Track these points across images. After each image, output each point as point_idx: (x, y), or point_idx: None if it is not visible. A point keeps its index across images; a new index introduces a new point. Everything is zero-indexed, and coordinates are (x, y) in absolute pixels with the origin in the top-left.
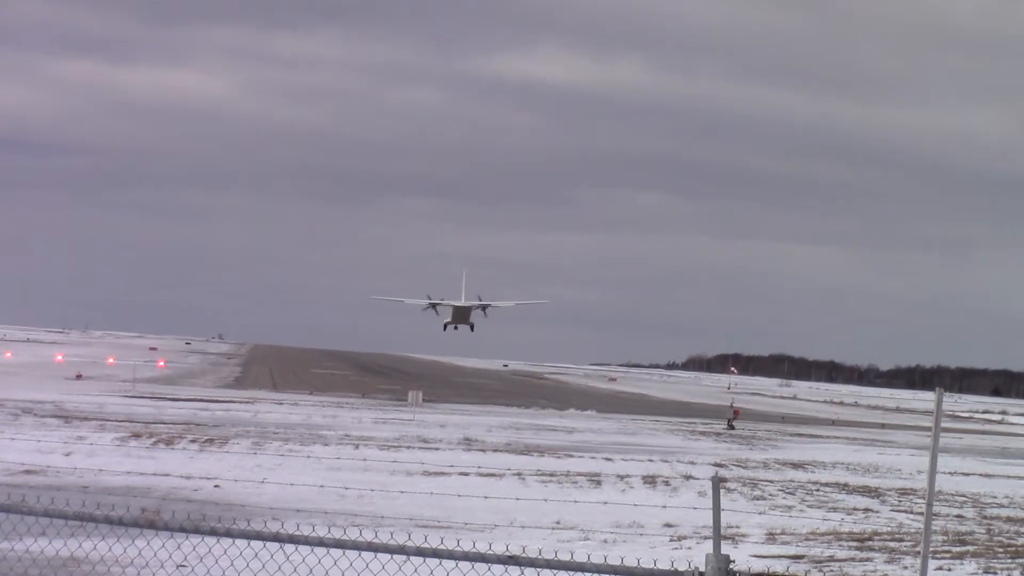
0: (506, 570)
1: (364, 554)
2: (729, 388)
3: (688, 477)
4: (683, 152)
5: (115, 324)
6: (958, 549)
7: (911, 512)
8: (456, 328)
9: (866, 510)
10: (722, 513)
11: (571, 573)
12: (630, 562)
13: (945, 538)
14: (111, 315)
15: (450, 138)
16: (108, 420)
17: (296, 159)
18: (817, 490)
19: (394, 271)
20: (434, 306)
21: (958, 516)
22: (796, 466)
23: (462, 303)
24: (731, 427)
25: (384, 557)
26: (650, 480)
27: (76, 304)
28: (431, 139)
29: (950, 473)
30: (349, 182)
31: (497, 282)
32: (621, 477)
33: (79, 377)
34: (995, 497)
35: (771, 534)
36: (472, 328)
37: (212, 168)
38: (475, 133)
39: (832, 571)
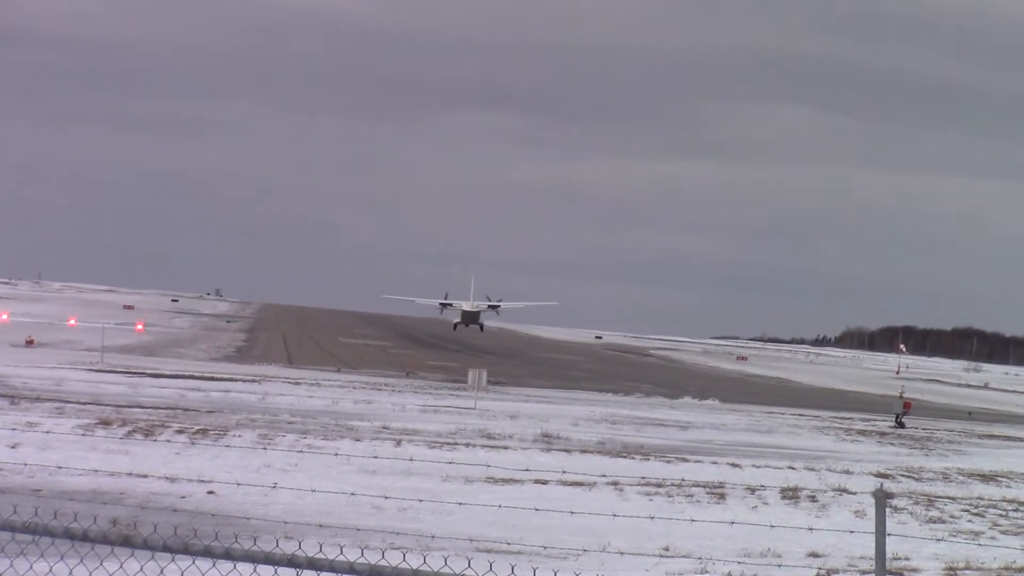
0: None
1: None
2: (898, 373)
3: (842, 491)
4: (839, 53)
5: (78, 274)
6: None
7: None
8: (467, 327)
9: None
10: (888, 539)
11: None
12: None
13: None
14: (72, 262)
15: (525, 31)
16: (68, 402)
17: (321, 56)
18: (1015, 511)
19: (447, 209)
20: (445, 306)
21: None
22: (986, 478)
23: (470, 307)
24: (900, 425)
25: None
26: (791, 494)
27: (26, 246)
28: (499, 33)
29: None
30: (390, 89)
31: (581, 224)
32: (752, 490)
33: (30, 343)
34: None
35: (951, 568)
36: (482, 328)
37: (210, 67)
38: (557, 24)
39: None
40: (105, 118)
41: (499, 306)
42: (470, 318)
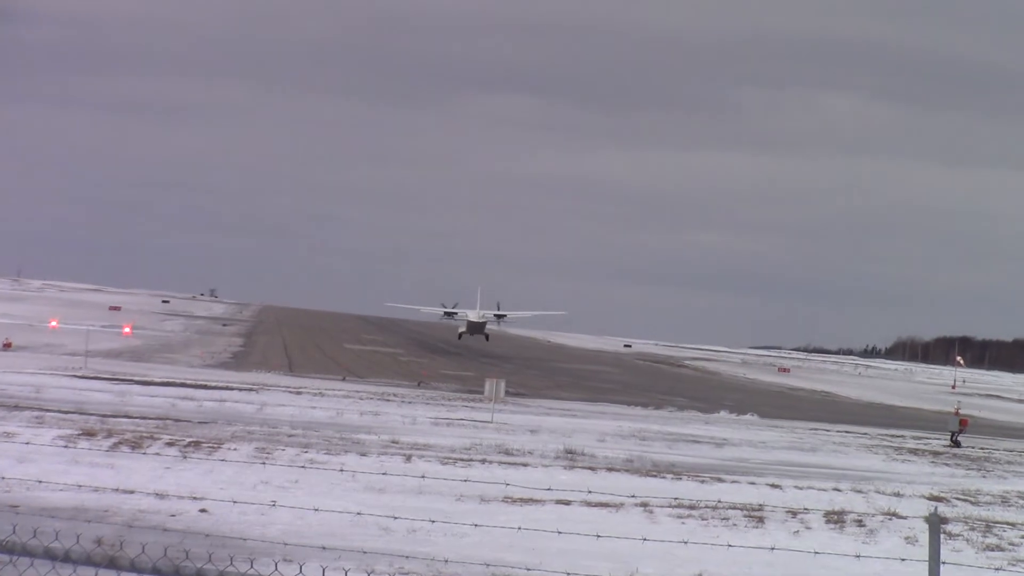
0: None
1: None
2: (954, 387)
3: (892, 515)
4: (895, 38)
5: (60, 271)
6: None
7: None
8: (472, 336)
9: None
10: (941, 568)
11: None
12: None
13: None
14: (55, 258)
15: (544, 8)
16: (49, 411)
17: (330, 35)
18: None
19: (460, 204)
20: (449, 315)
21: None
22: None
23: (477, 317)
24: (956, 443)
25: None
26: (836, 518)
27: (2, 241)
28: (515, 9)
29: None
30: (409, 72)
31: (607, 221)
32: (794, 513)
33: (7, 347)
34: None
35: None
36: (487, 338)
37: (206, 46)
38: (580, 1)
39: None
40: (90, 100)
41: (506, 316)
42: (476, 328)
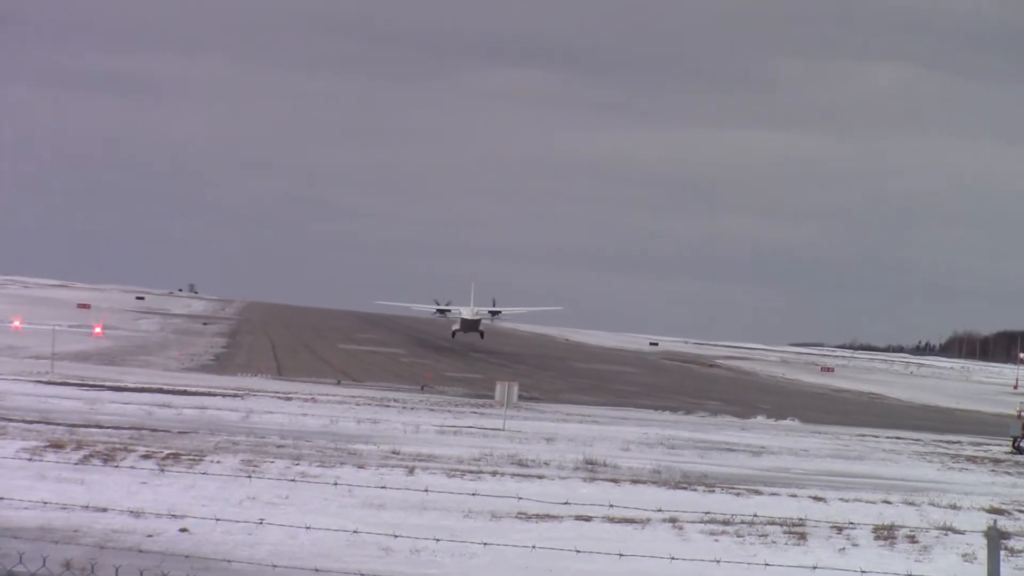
0: None
1: None
2: (1016, 387)
3: (947, 529)
4: (946, 2)
5: (23, 266)
6: None
7: None
8: (466, 334)
9: None
10: None
11: None
12: None
13: None
14: (17, 251)
15: None
16: (11, 420)
17: (324, 6)
18: None
19: (468, 188)
20: (442, 312)
21: None
22: None
23: (471, 314)
24: (1019, 450)
25: None
26: (886, 533)
27: None
28: None
29: None
30: (405, 41)
31: (632, 206)
32: (839, 528)
33: None
34: None
35: None
36: (482, 336)
37: (185, 16)
38: None
39: None
40: (54, 75)
41: (500, 312)
42: (470, 326)
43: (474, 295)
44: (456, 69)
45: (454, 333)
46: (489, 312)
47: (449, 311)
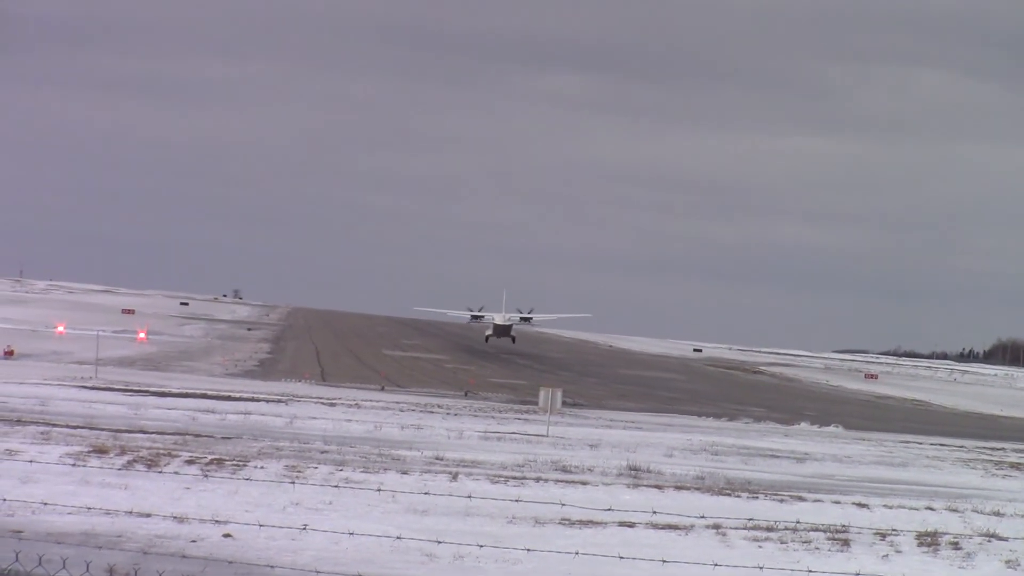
0: None
1: None
2: None
3: (991, 536)
4: (996, 8)
5: (67, 271)
6: None
7: None
8: (499, 339)
9: None
10: None
11: None
12: None
13: None
14: (62, 257)
15: None
16: (55, 425)
17: (366, 10)
18: None
19: (508, 193)
20: (476, 318)
21: None
22: None
23: (503, 320)
24: None
25: None
26: (929, 540)
27: (3, 238)
28: None
29: None
30: (454, 48)
31: (675, 213)
32: (882, 535)
33: (9, 354)
34: None
35: None
36: (513, 340)
37: (232, 23)
38: None
39: None
40: (97, 80)
41: (531, 318)
42: (502, 331)
43: (505, 301)
44: (494, 75)
45: (487, 338)
46: (520, 318)
47: (483, 317)
